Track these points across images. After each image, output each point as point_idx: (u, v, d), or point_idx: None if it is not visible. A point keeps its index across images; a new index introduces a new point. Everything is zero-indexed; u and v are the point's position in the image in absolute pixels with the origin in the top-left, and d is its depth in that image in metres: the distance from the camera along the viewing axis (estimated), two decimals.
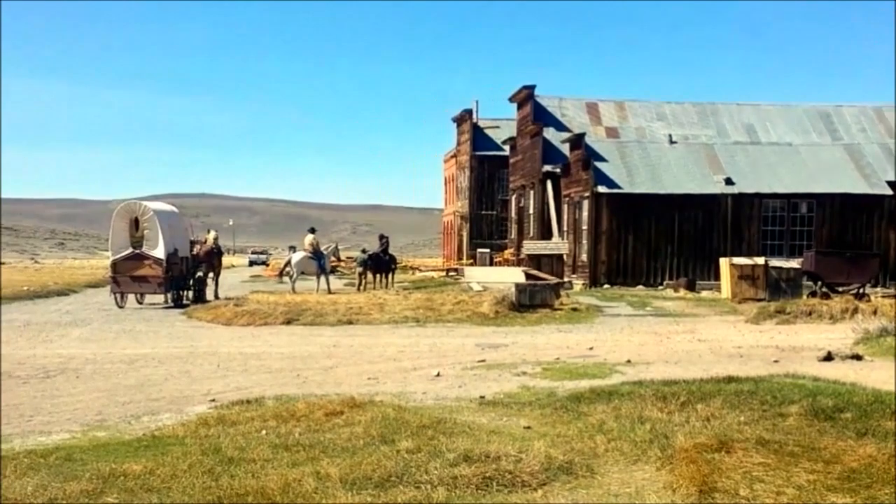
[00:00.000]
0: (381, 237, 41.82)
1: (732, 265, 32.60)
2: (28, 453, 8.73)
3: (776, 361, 15.69)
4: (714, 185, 41.56)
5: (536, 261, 42.93)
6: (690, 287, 37.85)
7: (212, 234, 35.86)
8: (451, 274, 51.04)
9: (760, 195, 41.15)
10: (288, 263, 37.28)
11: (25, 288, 38.56)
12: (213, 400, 12.17)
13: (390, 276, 39.88)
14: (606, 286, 40.10)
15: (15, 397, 12.65)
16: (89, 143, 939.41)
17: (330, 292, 33.88)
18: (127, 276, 30.72)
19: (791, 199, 41.31)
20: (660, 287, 39.58)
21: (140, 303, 31.98)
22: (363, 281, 38.06)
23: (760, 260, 33.42)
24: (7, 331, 22.45)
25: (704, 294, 35.88)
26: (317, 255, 36.36)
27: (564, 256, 43.61)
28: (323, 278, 36.05)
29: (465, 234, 68.35)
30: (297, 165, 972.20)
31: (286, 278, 37.24)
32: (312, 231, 37.52)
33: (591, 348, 18.40)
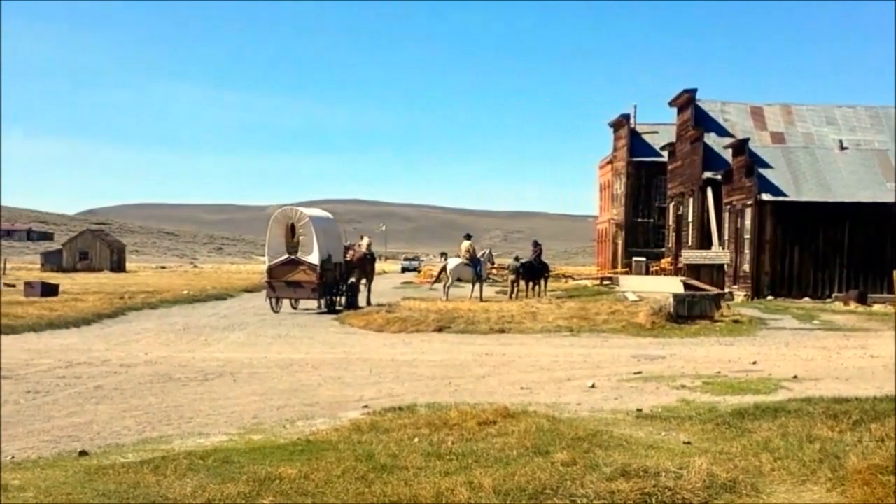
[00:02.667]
0: (535, 244, 41.76)
1: None
2: (188, 454, 9.02)
3: None
4: (888, 194, 39.95)
5: (695, 270, 42.17)
6: (861, 300, 36.43)
7: (365, 240, 36.50)
8: (605, 283, 50.62)
9: None
10: (443, 270, 37.37)
11: (185, 292, 40.10)
12: (366, 406, 12.34)
13: (543, 284, 39.75)
14: (770, 298, 39.01)
15: (175, 399, 13.13)
16: (248, 150, 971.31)
17: (482, 300, 34.00)
18: (282, 282, 31.54)
19: None
20: (827, 300, 38.26)
21: (294, 308, 32.80)
22: (515, 289, 38.06)
23: None
24: (168, 334, 23.38)
25: (877, 308, 34.45)
26: (473, 261, 36.43)
27: (725, 266, 42.71)
28: (477, 286, 36.15)
29: (619, 242, 67.62)
30: (450, 171, 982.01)
31: (437, 285, 37.41)
32: (468, 237, 37.70)
33: (754, 362, 17.90)
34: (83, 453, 9.41)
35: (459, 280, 36.41)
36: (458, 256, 37.47)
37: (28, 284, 37.29)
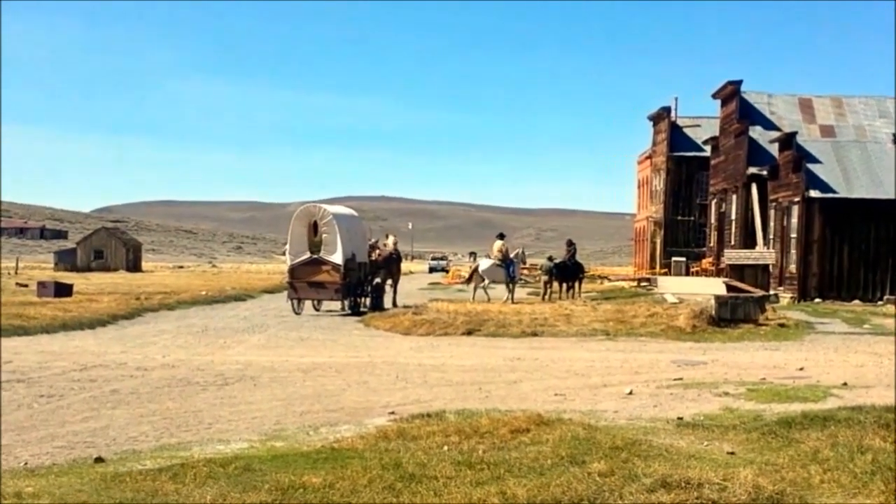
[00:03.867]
0: (569, 243, 41.70)
1: None
2: (207, 462, 9.07)
3: None
4: None
5: (738, 271, 41.96)
6: None
7: (391, 239, 36.57)
8: (642, 284, 50.48)
9: None
10: (475, 271, 37.21)
11: (203, 292, 40.32)
12: (393, 412, 12.37)
13: (577, 285, 39.68)
14: (817, 300, 38.75)
15: (194, 404, 13.21)
16: (270, 146, 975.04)
17: (513, 302, 33.97)
18: (304, 282, 31.62)
19: None
20: (879, 303, 37.96)
21: (317, 309, 32.91)
22: (548, 290, 38.01)
23: None
24: (186, 336, 23.53)
25: None
26: (506, 261, 36.33)
27: (770, 267, 42.48)
28: (509, 287, 36.05)
29: (658, 241, 67.40)
30: (480, 167, 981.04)
31: (470, 286, 37.09)
32: (501, 237, 37.64)
33: (801, 368, 17.80)
34: (99, 460, 9.48)
35: (492, 282, 36.35)
36: (490, 257, 37.41)
37: (41, 284, 37.61)
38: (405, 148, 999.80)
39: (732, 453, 9.61)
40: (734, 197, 48.89)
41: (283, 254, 33.98)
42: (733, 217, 49.23)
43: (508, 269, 36.11)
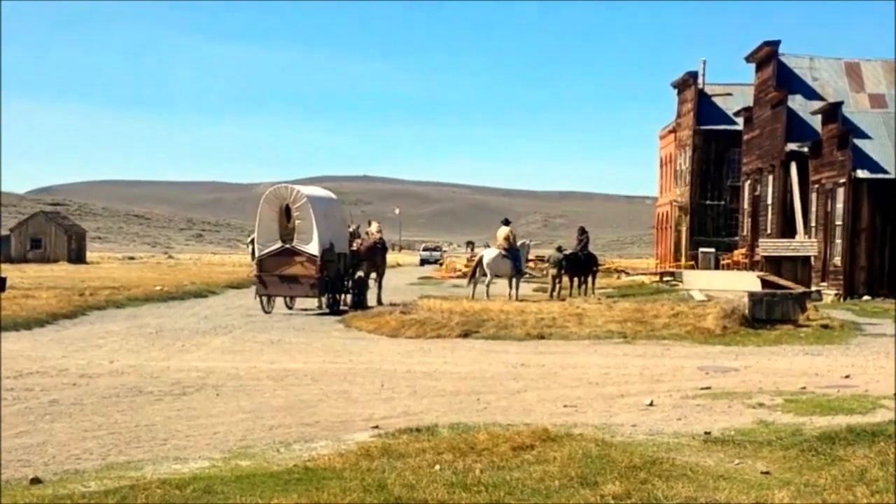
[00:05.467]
0: (581, 232, 41.75)
1: None
2: (161, 483, 9.09)
3: None
4: None
5: (775, 264, 42.06)
6: None
7: (374, 226, 36.53)
8: (665, 279, 50.54)
9: None
10: (479, 264, 36.81)
11: (158, 288, 40.29)
12: (377, 427, 12.41)
13: (590, 280, 39.74)
14: (866, 298, 38.88)
15: (147, 417, 13.22)
16: (236, 116, 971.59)
17: (517, 299, 33.99)
18: (275, 276, 31.61)
19: None
20: None
21: (290, 308, 32.94)
22: (557, 286, 38.00)
23: None
24: (138, 338, 23.52)
25: None
26: (511, 252, 36.18)
27: (812, 259, 42.57)
28: (513, 281, 36.06)
29: (683, 229, 67.52)
30: (479, 143, 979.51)
31: (470, 282, 36.61)
32: (507, 223, 37.22)
33: (846, 376, 17.87)
34: (35, 481, 9.49)
35: (497, 276, 36.19)
36: (494, 246, 37.22)
37: None
38: (392, 120, 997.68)
39: (767, 473, 9.65)
40: (770, 178, 49.00)
41: (251, 243, 33.93)
42: (769, 201, 49.35)
43: (515, 260, 36.00)
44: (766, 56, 49.34)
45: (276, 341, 23.42)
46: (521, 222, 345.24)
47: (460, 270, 64.75)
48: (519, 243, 37.73)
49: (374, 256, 35.18)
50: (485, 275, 35.99)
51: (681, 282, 44.98)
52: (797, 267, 41.87)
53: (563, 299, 34.78)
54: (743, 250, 53.22)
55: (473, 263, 39.66)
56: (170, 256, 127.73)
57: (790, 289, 32.68)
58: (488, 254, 36.65)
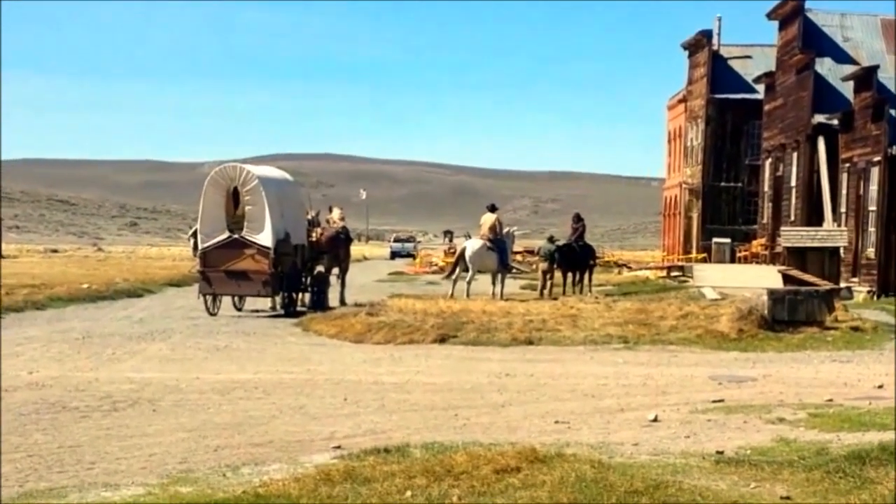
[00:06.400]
0: (577, 219, 41.66)
1: None
2: None
3: None
4: None
5: (799, 257, 42.26)
6: None
7: (337, 213, 36.42)
8: (673, 274, 50.69)
9: None
10: (461, 258, 36.59)
11: (85, 286, 40.12)
12: (339, 447, 12.43)
13: (587, 275, 39.73)
14: None
15: (71, 437, 13.21)
16: (177, 83, 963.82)
17: (502, 297, 34.02)
18: (221, 272, 31.50)
19: None
20: None
21: (238, 309, 32.92)
22: (548, 282, 38.00)
23: None
24: (61, 344, 23.46)
25: None
26: (497, 244, 36.09)
27: (841, 251, 42.71)
28: (498, 277, 36.11)
29: (694, 215, 67.72)
30: (459, 115, 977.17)
31: (450, 278, 36.43)
32: (493, 209, 36.89)
33: (880, 386, 17.97)
34: None
35: (479, 271, 36.06)
36: (477, 236, 37.09)
37: None
38: (359, 88, 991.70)
39: (788, 498, 9.72)
40: (795, 155, 49.14)
41: (193, 236, 33.79)
42: (793, 183, 49.49)
43: (501, 253, 36.02)
44: (791, 12, 49.39)
45: (222, 348, 23.45)
46: (508, 208, 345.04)
47: (437, 265, 64.79)
48: (505, 230, 37.65)
49: (337, 248, 35.13)
50: (466, 270, 35.89)
51: (691, 277, 45.10)
52: (824, 260, 42.04)
53: (556, 298, 34.81)
54: (762, 240, 53.41)
55: (452, 257, 39.64)
56: (99, 249, 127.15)
57: (816, 285, 32.86)
58: (471, 245, 36.33)
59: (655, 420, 14.40)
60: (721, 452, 11.96)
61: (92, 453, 12.24)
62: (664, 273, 52.15)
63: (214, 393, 16.88)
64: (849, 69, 45.41)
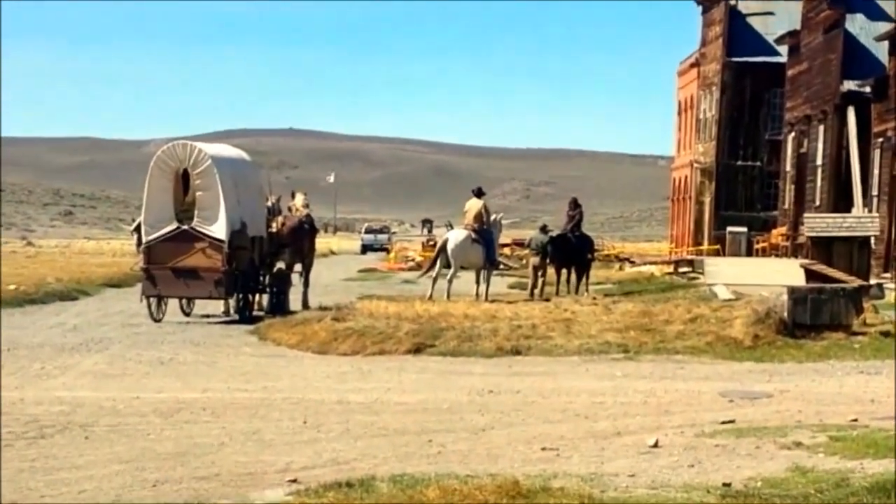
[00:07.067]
0: (573, 205, 41.50)
1: None
2: None
3: None
4: None
5: (825, 248, 42.25)
6: None
7: (300, 199, 36.12)
8: (682, 270, 50.71)
9: None
10: (442, 251, 36.21)
11: (11, 287, 39.95)
12: (295, 480, 12.42)
13: (584, 271, 39.63)
14: None
15: None
16: (117, 47, 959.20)
17: (487, 299, 34.01)
18: (168, 270, 31.26)
19: None
20: None
21: (187, 313, 32.86)
22: (540, 280, 37.82)
23: None
24: None
25: None
26: (484, 236, 35.84)
27: (872, 241, 42.69)
28: (483, 275, 36.01)
29: (707, 200, 67.72)
30: (439, 86, 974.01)
31: (430, 275, 36.17)
32: (479, 194, 36.73)
33: None
34: None
35: (463, 267, 35.86)
36: (461, 226, 36.85)
37: None
38: (326, 53, 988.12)
39: None
40: (821, 128, 49.01)
41: (136, 230, 33.70)
42: (819, 161, 49.35)
43: (488, 246, 35.91)
44: None
45: (166, 361, 23.41)
46: (496, 192, 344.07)
47: (414, 260, 64.78)
48: (493, 217, 37.41)
49: (300, 241, 34.89)
50: (448, 266, 35.65)
51: (702, 273, 45.06)
52: (852, 252, 42.03)
53: (548, 299, 34.79)
54: (783, 229, 53.38)
55: (432, 251, 39.48)
56: (29, 243, 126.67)
57: (843, 282, 32.79)
58: (454, 237, 35.85)
59: (656, 445, 14.40)
60: (728, 485, 11.98)
61: (13, 490, 12.18)
62: (671, 268, 52.15)
63: (156, 416, 16.86)
64: (884, 27, 45.17)
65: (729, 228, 59.13)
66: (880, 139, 44.05)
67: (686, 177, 73.27)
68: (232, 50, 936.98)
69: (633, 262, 61.63)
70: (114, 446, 14.63)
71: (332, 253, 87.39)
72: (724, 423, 16.15)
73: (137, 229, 33.15)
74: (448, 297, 34.03)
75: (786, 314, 26.37)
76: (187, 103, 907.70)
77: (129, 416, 16.82)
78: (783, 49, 56.98)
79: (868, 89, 44.99)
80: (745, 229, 57.84)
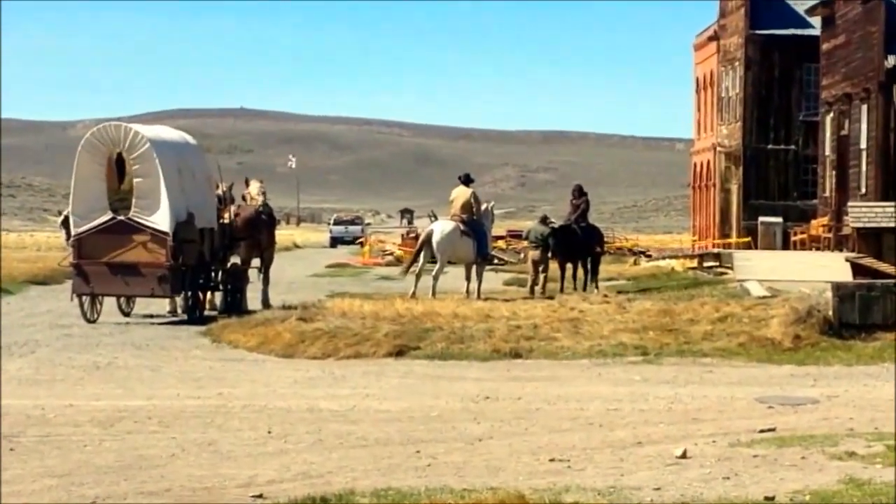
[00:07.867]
0: (578, 193, 41.58)
1: None
2: None
3: None
4: None
5: (873, 240, 42.43)
6: None
7: (256, 187, 36.25)
8: (707, 264, 50.81)
9: None
10: (426, 244, 36.43)
11: None
12: (261, 496, 12.42)
13: (592, 267, 39.73)
14: None
15: None
16: (45, 17, 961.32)
17: (479, 297, 34.02)
18: (103, 265, 31.34)
19: None
20: None
21: (126, 314, 32.88)
22: (541, 276, 37.96)
23: None
24: None
25: None
26: (474, 227, 36.08)
27: None
28: (475, 270, 36.14)
29: (734, 188, 67.98)
30: (424, 60, 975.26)
31: (412, 270, 36.33)
32: (467, 181, 37.02)
33: None
34: None
35: (450, 261, 35.97)
36: (448, 216, 37.01)
37: None
38: (284, 21, 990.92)
39: None
40: (864, 108, 49.23)
41: (64, 223, 33.67)
42: (863, 144, 49.55)
43: (479, 239, 36.05)
44: None
45: (103, 366, 23.44)
46: (487, 179, 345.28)
47: (392, 254, 64.86)
48: (483, 206, 37.52)
49: (257, 233, 35.05)
50: (433, 260, 35.96)
51: (730, 268, 45.17)
52: None
53: (551, 297, 34.79)
54: (824, 219, 53.52)
55: (413, 244, 39.56)
56: None
57: (895, 277, 32.87)
58: (440, 228, 36.03)
59: (684, 456, 14.41)
60: (771, 498, 12.00)
61: None
62: (695, 262, 52.26)
63: (93, 425, 16.83)
64: None
65: (761, 219, 59.23)
66: None
67: (708, 161, 73.47)
68: (173, 19, 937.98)
69: (649, 256, 61.85)
70: (44, 459, 14.58)
71: (297, 246, 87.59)
72: (762, 431, 16.17)
73: (65, 222, 33.07)
74: (433, 294, 34.08)
75: (831, 313, 26.47)
76: (120, 79, 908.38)
77: (62, 426, 16.79)
78: (816, 21, 57.13)
79: None
80: (779, 220, 57.98)
